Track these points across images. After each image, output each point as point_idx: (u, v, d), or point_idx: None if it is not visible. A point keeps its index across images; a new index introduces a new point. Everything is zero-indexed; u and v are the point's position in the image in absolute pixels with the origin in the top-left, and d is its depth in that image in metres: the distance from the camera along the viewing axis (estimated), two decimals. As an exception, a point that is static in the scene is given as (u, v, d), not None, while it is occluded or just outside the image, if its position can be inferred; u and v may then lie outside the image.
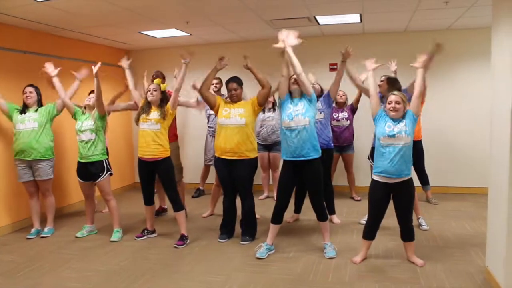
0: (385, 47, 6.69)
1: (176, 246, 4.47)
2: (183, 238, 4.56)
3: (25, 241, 4.79)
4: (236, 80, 4.55)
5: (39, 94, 4.96)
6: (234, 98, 4.51)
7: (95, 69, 4.49)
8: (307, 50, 6.91)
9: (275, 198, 4.32)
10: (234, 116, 4.39)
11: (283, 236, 4.63)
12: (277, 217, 4.17)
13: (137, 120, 4.54)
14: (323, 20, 5.67)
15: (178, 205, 4.59)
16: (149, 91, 4.49)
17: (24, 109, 4.88)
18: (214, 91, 6.11)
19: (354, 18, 5.58)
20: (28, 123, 4.79)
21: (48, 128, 4.92)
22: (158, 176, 4.64)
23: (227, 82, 4.56)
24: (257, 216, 4.85)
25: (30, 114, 4.84)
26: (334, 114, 6.05)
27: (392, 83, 4.37)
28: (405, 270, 3.69)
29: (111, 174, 4.86)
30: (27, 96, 4.85)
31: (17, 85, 5.04)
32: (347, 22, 5.80)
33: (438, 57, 6.35)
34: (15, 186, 5.14)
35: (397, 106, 3.61)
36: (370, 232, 3.89)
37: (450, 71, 6.56)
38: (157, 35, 6.36)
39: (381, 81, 4.72)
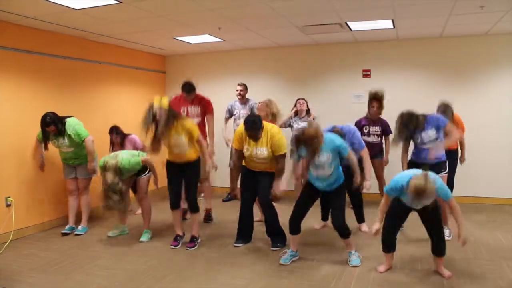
0: (421, 53, 6.56)
1: (187, 248, 4.55)
2: (193, 240, 4.65)
3: (61, 237, 5.01)
4: (254, 127, 4.27)
5: (57, 123, 4.86)
6: (254, 139, 4.40)
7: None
8: (340, 56, 6.95)
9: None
10: (255, 154, 4.40)
11: (309, 243, 4.61)
12: (293, 227, 4.11)
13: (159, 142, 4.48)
14: (355, 26, 5.62)
15: (195, 207, 4.67)
16: (158, 120, 4.24)
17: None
18: (238, 98, 6.45)
19: (387, 23, 5.49)
20: (64, 148, 5.04)
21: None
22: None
23: (246, 130, 4.31)
24: None
25: (61, 141, 4.96)
26: (365, 128, 5.54)
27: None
28: (430, 282, 3.59)
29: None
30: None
31: (58, 88, 5.26)
32: (380, 28, 5.71)
33: (475, 64, 6.28)
34: (59, 184, 5.42)
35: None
36: (387, 244, 3.82)
37: (488, 78, 6.31)
38: (191, 41, 6.49)
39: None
